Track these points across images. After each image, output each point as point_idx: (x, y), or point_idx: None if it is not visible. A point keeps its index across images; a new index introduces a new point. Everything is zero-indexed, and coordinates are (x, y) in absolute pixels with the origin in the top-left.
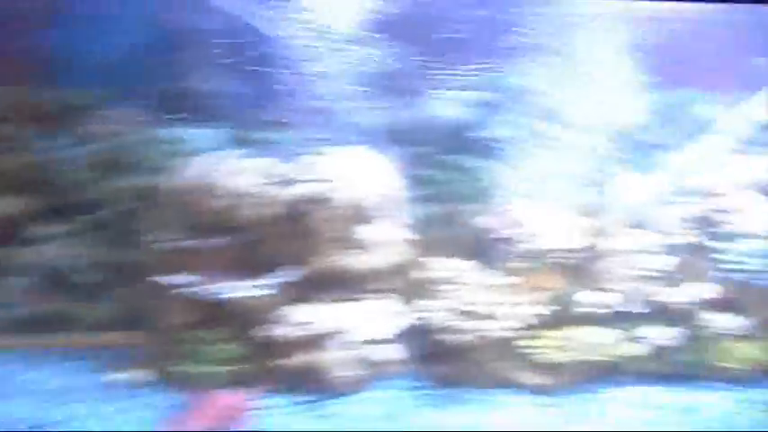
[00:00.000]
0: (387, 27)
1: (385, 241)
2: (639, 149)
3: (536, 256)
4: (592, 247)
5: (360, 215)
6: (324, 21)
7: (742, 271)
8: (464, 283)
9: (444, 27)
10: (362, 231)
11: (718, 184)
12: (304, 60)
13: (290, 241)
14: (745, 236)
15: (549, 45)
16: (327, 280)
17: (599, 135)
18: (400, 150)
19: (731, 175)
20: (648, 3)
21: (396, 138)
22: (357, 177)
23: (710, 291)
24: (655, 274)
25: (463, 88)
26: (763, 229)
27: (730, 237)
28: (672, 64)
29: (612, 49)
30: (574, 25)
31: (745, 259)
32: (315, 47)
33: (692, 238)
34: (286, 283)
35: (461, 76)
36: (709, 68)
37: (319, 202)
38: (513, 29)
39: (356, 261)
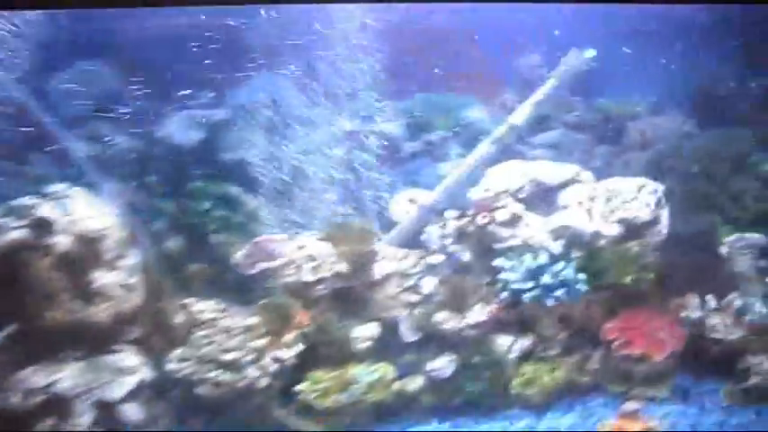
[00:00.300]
0: (111, 47)
1: (121, 286)
2: (405, 162)
3: (297, 289)
4: (359, 274)
5: (88, 259)
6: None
7: (523, 289)
8: (218, 327)
9: (178, 44)
10: (93, 277)
11: (490, 196)
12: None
13: (6, 296)
14: (524, 250)
15: (292, 57)
16: (59, 336)
17: (357, 149)
18: (131, 182)
19: (502, 185)
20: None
21: (124, 168)
22: (81, 217)
23: (493, 312)
24: (431, 297)
25: (201, 108)
26: (540, 242)
27: (509, 252)
28: (431, 69)
29: (364, 55)
30: (323, 34)
31: (526, 276)
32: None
33: (469, 255)
34: (7, 343)
35: (196, 95)
36: (473, 72)
37: (38, 249)
38: (250, 43)
39: (89, 311)
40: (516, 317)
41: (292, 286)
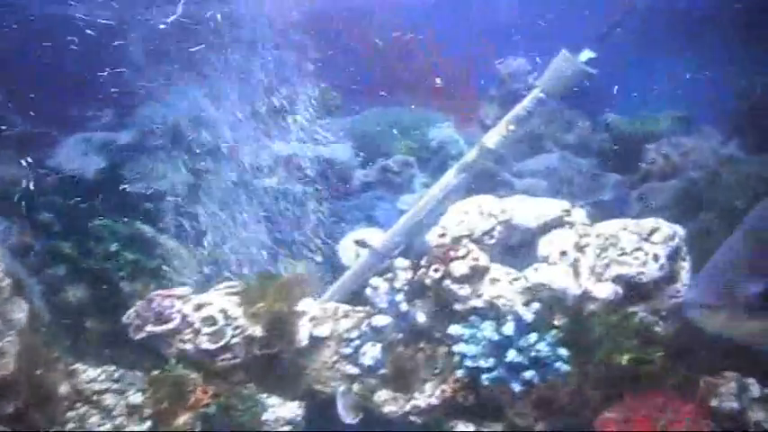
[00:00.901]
0: None
1: None
2: (356, 194)
3: (196, 359)
4: (281, 339)
5: None
6: None
7: (482, 368)
8: (99, 405)
9: (71, 53)
10: None
11: (445, 242)
12: None
13: None
14: (488, 315)
15: (211, 64)
16: None
17: (293, 179)
18: (16, 220)
19: (463, 228)
20: None
21: (5, 204)
22: None
23: (449, 392)
24: (372, 369)
25: (101, 130)
26: (508, 305)
27: (472, 316)
28: (388, 76)
29: (299, 58)
30: (246, 33)
31: (486, 350)
32: None
33: (423, 317)
34: None
35: (95, 115)
36: (441, 80)
37: None
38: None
39: None
40: (479, 399)
41: (191, 355)
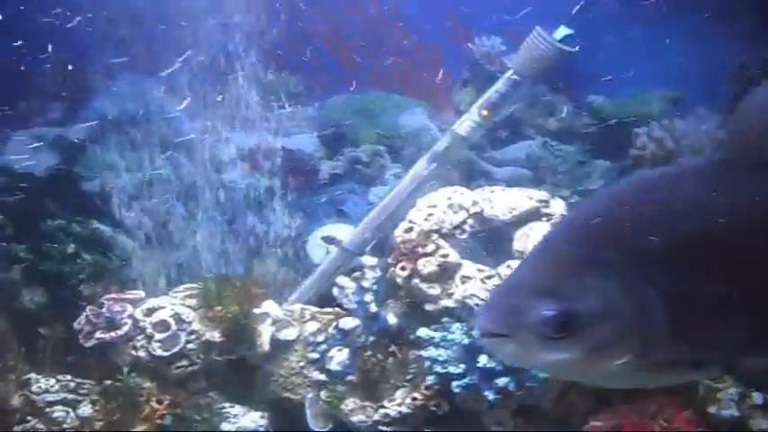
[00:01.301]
0: None
1: None
2: (324, 187)
3: (151, 366)
4: (241, 344)
5: None
6: None
7: (452, 374)
8: (50, 417)
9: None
10: None
11: (412, 238)
12: None
13: None
14: (462, 315)
15: (165, 51)
16: None
17: (256, 173)
18: None
19: (432, 222)
20: None
21: None
22: None
23: (421, 400)
24: (339, 376)
25: (50, 125)
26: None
27: (444, 317)
28: (353, 60)
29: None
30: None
31: (457, 354)
32: None
33: (392, 319)
34: None
35: (43, 108)
36: (412, 62)
37: None
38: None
39: None
40: (454, 407)
41: (144, 362)
